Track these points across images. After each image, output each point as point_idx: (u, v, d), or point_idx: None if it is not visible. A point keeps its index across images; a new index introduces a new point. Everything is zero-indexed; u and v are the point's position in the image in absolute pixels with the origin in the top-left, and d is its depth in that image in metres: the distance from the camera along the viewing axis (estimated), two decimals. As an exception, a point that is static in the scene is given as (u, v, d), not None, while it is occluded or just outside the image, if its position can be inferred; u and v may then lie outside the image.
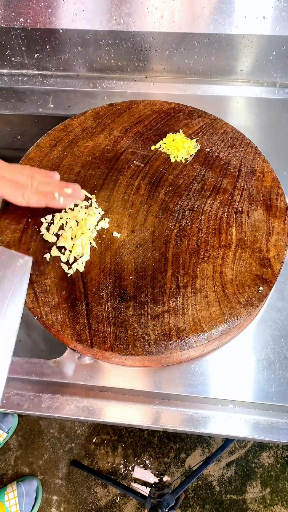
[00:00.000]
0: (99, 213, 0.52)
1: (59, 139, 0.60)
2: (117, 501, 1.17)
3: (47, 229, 0.51)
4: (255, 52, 0.71)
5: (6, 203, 0.52)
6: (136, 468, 1.20)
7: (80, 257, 0.49)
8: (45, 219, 0.52)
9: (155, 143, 0.60)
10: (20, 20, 0.70)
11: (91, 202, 0.53)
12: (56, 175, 0.52)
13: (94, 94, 0.76)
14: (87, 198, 0.54)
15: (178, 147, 0.58)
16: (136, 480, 1.19)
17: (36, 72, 0.78)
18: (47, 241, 0.50)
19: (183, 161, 0.58)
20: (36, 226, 0.52)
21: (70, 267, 0.48)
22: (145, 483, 1.18)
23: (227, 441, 1.13)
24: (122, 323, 0.45)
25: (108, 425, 1.15)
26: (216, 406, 0.49)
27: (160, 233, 0.51)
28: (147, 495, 0.98)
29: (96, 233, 0.51)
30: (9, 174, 0.48)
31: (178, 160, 0.58)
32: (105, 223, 0.51)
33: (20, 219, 0.52)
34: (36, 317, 0.46)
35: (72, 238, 0.49)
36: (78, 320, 0.45)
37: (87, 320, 0.45)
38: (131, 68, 0.76)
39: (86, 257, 0.49)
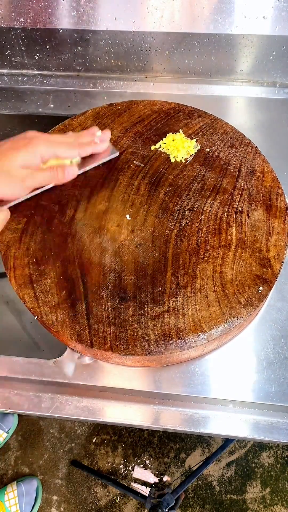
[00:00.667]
0: None
1: (59, 139, 0.60)
2: (117, 501, 1.17)
3: None
4: (255, 52, 0.71)
5: None
6: (136, 468, 1.20)
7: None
8: None
9: (155, 143, 0.60)
10: (20, 20, 0.70)
11: None
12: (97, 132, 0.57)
13: (94, 94, 0.76)
14: None
15: (178, 147, 0.58)
16: (136, 480, 1.19)
17: (36, 72, 0.78)
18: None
19: (183, 161, 0.58)
20: (36, 226, 0.52)
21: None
22: (145, 483, 1.18)
23: (227, 441, 1.13)
24: (122, 323, 0.45)
25: (108, 425, 1.15)
26: (216, 406, 0.49)
27: (160, 233, 0.51)
28: (147, 495, 0.98)
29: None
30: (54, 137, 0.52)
31: (178, 160, 0.58)
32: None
33: (20, 219, 0.52)
34: (36, 317, 0.46)
35: None
36: (78, 320, 0.45)
37: (87, 320, 0.45)
38: (131, 68, 0.76)
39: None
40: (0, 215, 0.45)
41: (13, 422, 1.24)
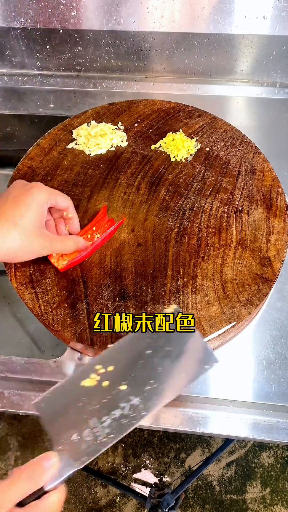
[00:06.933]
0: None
1: (59, 138, 0.60)
2: (117, 501, 1.17)
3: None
4: (255, 52, 0.71)
5: None
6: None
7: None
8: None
9: (155, 142, 0.60)
10: (20, 20, 0.70)
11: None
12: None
13: (94, 94, 0.76)
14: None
15: (178, 146, 0.58)
16: (136, 480, 1.18)
17: (36, 72, 0.78)
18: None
19: (183, 160, 0.58)
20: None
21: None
22: (145, 483, 1.18)
23: (227, 441, 1.13)
24: (122, 323, 0.45)
25: (108, 425, 1.14)
26: (216, 406, 0.49)
27: (160, 233, 0.51)
28: (147, 495, 0.98)
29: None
30: None
31: (178, 159, 0.58)
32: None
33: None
34: (37, 316, 0.46)
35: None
36: (78, 319, 0.45)
37: (88, 320, 0.45)
38: (131, 68, 0.76)
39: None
40: (56, 496, 0.33)
41: None
